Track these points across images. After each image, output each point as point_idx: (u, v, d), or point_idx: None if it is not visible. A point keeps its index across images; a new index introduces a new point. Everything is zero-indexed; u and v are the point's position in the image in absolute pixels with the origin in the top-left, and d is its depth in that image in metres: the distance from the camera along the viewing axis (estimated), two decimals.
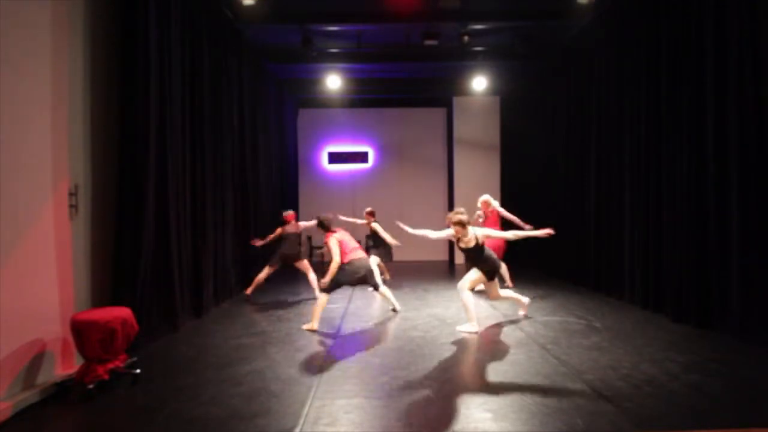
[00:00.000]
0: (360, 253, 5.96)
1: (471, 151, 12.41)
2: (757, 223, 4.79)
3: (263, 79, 9.53)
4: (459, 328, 5.57)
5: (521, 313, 6.14)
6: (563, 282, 8.71)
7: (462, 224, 5.40)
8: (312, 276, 7.53)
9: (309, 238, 13.03)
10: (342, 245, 5.84)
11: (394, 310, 6.54)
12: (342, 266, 5.72)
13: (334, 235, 5.91)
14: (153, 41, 5.04)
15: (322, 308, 5.73)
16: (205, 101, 6.51)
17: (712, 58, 5.27)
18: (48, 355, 3.93)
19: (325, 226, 6.03)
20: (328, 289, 5.70)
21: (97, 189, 4.59)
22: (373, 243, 8.54)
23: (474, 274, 5.56)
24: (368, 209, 8.57)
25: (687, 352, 4.59)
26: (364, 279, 5.89)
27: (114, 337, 3.79)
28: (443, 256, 13.01)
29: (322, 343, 5.11)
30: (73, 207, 4.24)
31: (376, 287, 6.32)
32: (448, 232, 5.54)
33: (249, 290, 7.51)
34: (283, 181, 11.07)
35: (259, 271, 7.48)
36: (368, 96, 12.03)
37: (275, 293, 7.86)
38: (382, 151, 13.10)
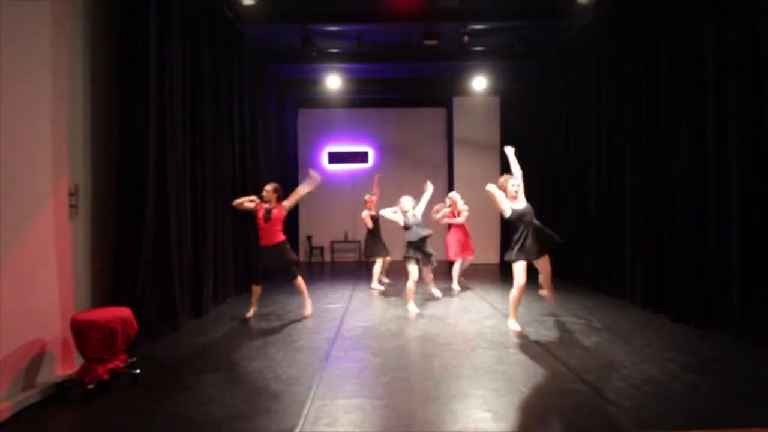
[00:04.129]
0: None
1: (471, 151, 12.41)
2: (757, 222, 4.79)
3: (263, 79, 9.53)
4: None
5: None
6: (563, 282, 8.70)
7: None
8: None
9: (309, 238, 13.04)
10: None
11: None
12: None
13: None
14: (153, 41, 5.04)
15: None
16: (205, 101, 6.51)
17: (712, 58, 5.27)
18: (48, 355, 3.92)
19: None
20: None
21: (97, 189, 4.59)
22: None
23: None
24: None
25: (687, 352, 4.59)
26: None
27: (114, 337, 3.79)
28: (442, 256, 12.99)
29: (322, 343, 5.11)
30: (73, 207, 4.24)
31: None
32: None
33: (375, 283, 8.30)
34: (283, 181, 11.05)
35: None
36: (368, 96, 12.03)
37: (275, 293, 7.85)
38: (382, 151, 13.11)
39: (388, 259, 8.77)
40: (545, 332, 5.38)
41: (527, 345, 4.93)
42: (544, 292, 5.88)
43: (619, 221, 7.21)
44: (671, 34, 5.95)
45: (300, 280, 6.32)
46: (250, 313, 6.32)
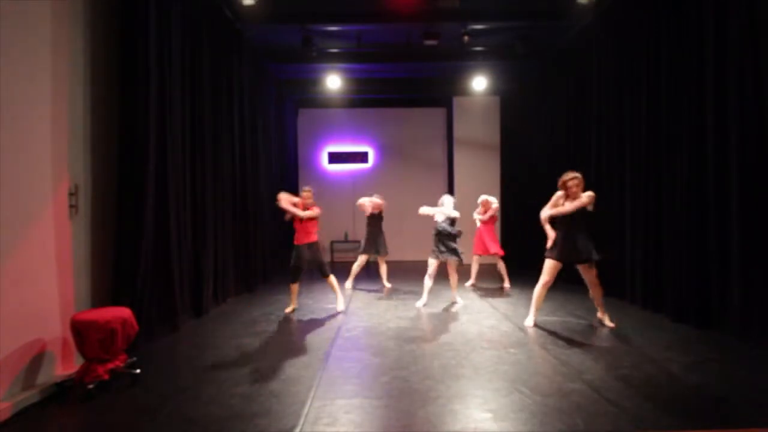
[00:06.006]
0: None
1: (471, 151, 12.40)
2: (757, 222, 4.79)
3: (263, 79, 9.52)
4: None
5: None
6: (563, 282, 8.67)
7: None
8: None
9: None
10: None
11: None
12: None
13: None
14: (153, 41, 5.04)
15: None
16: (205, 101, 6.51)
17: (712, 59, 5.27)
18: (48, 355, 3.93)
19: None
20: None
21: (97, 189, 4.59)
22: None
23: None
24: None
25: (687, 352, 4.59)
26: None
27: (114, 337, 3.79)
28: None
29: (322, 343, 5.11)
30: (73, 207, 4.24)
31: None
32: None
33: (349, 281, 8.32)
34: (283, 181, 11.07)
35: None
36: (368, 96, 12.02)
37: (275, 294, 7.85)
38: (382, 151, 13.10)
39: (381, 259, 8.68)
40: (545, 332, 5.39)
41: (527, 345, 4.93)
42: (602, 317, 5.66)
43: (620, 221, 7.20)
44: (671, 34, 5.95)
45: (332, 278, 6.66)
46: (290, 309, 6.62)
